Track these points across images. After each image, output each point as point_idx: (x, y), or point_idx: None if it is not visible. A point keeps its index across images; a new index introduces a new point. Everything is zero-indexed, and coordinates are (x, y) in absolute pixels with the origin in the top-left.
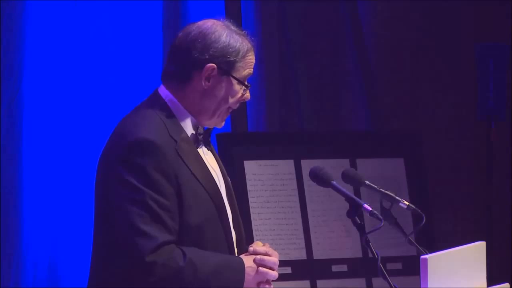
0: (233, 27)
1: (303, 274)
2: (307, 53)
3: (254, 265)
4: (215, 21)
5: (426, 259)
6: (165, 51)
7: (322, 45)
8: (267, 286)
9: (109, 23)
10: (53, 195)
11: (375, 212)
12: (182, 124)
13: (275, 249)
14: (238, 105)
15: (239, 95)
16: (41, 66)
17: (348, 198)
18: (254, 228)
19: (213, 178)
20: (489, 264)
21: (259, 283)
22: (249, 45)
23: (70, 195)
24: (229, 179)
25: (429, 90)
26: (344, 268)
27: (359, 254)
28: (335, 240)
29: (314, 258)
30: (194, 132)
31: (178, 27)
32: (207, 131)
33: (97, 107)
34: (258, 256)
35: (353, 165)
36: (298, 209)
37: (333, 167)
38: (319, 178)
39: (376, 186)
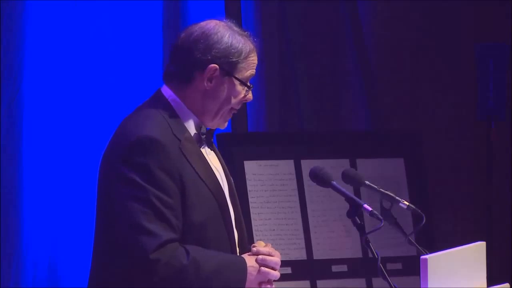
0: (235, 28)
1: (303, 274)
2: (307, 53)
3: (256, 265)
4: (217, 21)
5: (426, 259)
6: (165, 51)
7: (322, 45)
8: (268, 286)
9: (109, 23)
10: (53, 195)
11: (375, 212)
12: (185, 123)
13: (275, 249)
14: (240, 105)
15: (242, 95)
16: (41, 66)
17: (348, 198)
18: (254, 228)
19: (216, 177)
20: (489, 264)
21: (260, 283)
22: (252, 46)
23: (70, 195)
24: (231, 178)
25: (429, 90)
26: (344, 268)
27: (359, 254)
28: (335, 240)
29: (314, 258)
30: (197, 132)
31: (178, 27)
32: (210, 131)
33: (97, 107)
34: (260, 256)
35: (353, 165)
36: (298, 209)
37: (333, 167)
38: (319, 178)
39: (376, 186)
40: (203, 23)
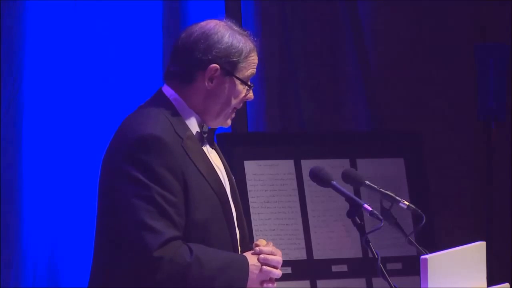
0: (235, 28)
1: (303, 274)
2: (307, 53)
3: (258, 264)
4: (217, 21)
5: (426, 259)
6: (165, 51)
7: (322, 45)
8: (270, 284)
9: (109, 23)
10: (53, 195)
11: (375, 212)
12: (187, 122)
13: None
14: (242, 104)
15: (243, 95)
16: (41, 66)
17: (348, 198)
18: (254, 228)
19: (218, 176)
20: (489, 264)
21: (262, 282)
22: (252, 45)
23: (70, 195)
24: (233, 177)
25: (429, 90)
26: (344, 268)
27: (359, 254)
28: (335, 240)
29: (314, 258)
30: (199, 131)
31: (178, 27)
32: (212, 130)
33: (97, 107)
34: (262, 255)
35: (353, 165)
36: (298, 209)
37: (333, 167)
38: (319, 178)
39: (376, 186)
40: (203, 23)
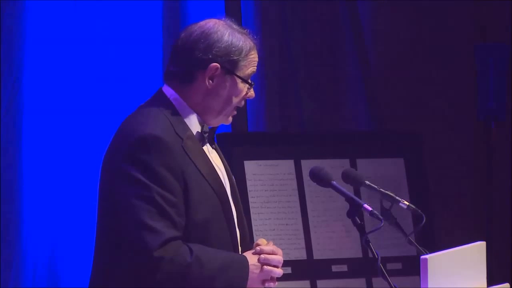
0: (235, 26)
1: (303, 274)
2: (307, 53)
3: (258, 263)
4: (217, 20)
5: (426, 259)
6: (164, 51)
7: (322, 45)
8: (272, 283)
9: (109, 23)
10: (53, 195)
11: (375, 212)
12: (187, 122)
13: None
14: (243, 102)
15: (243, 93)
16: (41, 66)
17: (348, 198)
18: (254, 228)
19: (219, 176)
20: (489, 264)
21: (264, 281)
22: (252, 44)
23: (70, 195)
24: (233, 177)
25: (429, 90)
26: (344, 268)
27: (359, 254)
28: (335, 240)
29: (314, 258)
30: (199, 130)
31: (178, 27)
32: (212, 130)
33: (97, 107)
34: (263, 256)
35: (353, 165)
36: (298, 209)
37: (333, 167)
38: (319, 178)
39: (376, 186)
40: (202, 23)
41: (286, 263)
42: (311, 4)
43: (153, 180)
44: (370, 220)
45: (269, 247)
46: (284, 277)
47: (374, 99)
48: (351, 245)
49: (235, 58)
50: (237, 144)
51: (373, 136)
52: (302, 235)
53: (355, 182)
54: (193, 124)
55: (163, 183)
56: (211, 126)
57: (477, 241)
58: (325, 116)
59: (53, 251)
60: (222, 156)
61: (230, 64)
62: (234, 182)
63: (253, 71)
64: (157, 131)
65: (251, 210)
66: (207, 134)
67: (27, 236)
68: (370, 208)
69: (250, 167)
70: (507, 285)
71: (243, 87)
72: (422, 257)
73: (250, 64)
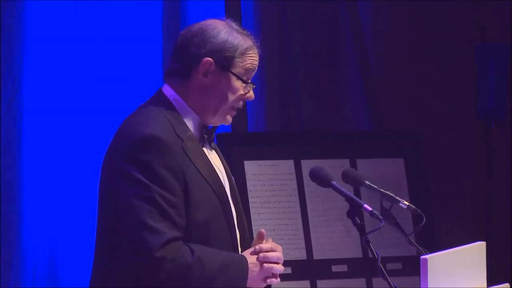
0: (235, 26)
1: (303, 274)
2: (307, 53)
3: (257, 262)
4: (217, 20)
5: (426, 259)
6: (164, 51)
7: (322, 45)
8: (274, 279)
9: (109, 23)
10: (53, 195)
11: (375, 212)
12: (187, 123)
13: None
14: (242, 103)
15: (240, 92)
16: (41, 66)
17: (348, 198)
18: (254, 228)
19: (219, 176)
20: (489, 264)
21: (265, 278)
22: (250, 43)
23: (70, 195)
24: (233, 178)
25: (429, 90)
26: (344, 268)
27: (359, 254)
28: (335, 240)
29: (314, 258)
30: (199, 131)
31: (178, 27)
32: (212, 130)
33: (97, 107)
34: (261, 254)
35: (353, 165)
36: (298, 209)
37: (333, 167)
38: (319, 178)
39: (376, 186)
40: (203, 21)
41: (286, 263)
42: (311, 4)
43: (154, 181)
44: (370, 220)
45: (268, 244)
46: (284, 277)
47: (374, 99)
48: (351, 245)
49: (230, 54)
50: (237, 144)
51: (373, 136)
52: (302, 235)
53: (355, 182)
54: (193, 124)
55: (164, 184)
56: (211, 126)
57: (477, 241)
58: (325, 116)
59: (53, 251)
60: (222, 156)
61: (224, 60)
62: (234, 182)
63: (250, 69)
64: (158, 131)
65: (251, 210)
66: (207, 135)
67: (27, 236)
68: (370, 208)
69: (250, 167)
70: (507, 285)
71: (239, 86)
72: (422, 257)
73: (247, 62)
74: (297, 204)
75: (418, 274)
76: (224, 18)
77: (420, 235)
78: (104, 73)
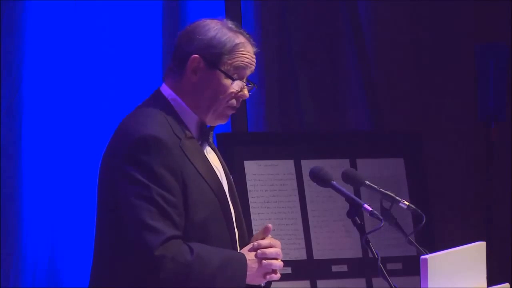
0: (229, 25)
1: (303, 274)
2: (307, 53)
3: (255, 258)
4: (214, 19)
5: (426, 259)
6: (164, 51)
7: (322, 45)
8: (274, 275)
9: (109, 23)
10: (53, 195)
11: (375, 212)
12: (186, 122)
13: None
14: (236, 102)
15: (230, 90)
16: (41, 66)
17: (348, 198)
18: (254, 228)
19: (217, 176)
20: (489, 264)
21: (265, 274)
22: (242, 40)
23: (70, 195)
24: (231, 177)
25: (429, 90)
26: (344, 268)
27: (359, 254)
28: (335, 240)
29: (314, 258)
30: (198, 130)
31: (178, 27)
32: (210, 129)
33: (97, 107)
34: (259, 251)
35: (353, 165)
36: (298, 209)
37: (333, 167)
38: (319, 178)
39: (376, 186)
40: (198, 20)
41: (286, 263)
42: (311, 4)
43: (153, 180)
44: (370, 220)
45: (266, 240)
46: (284, 277)
47: (374, 99)
48: (351, 245)
49: (217, 51)
50: (237, 144)
51: (373, 136)
52: (302, 235)
53: (355, 182)
54: (191, 124)
55: (163, 183)
56: (209, 125)
57: (477, 241)
58: (325, 116)
59: (53, 251)
60: (220, 156)
61: (212, 57)
62: (232, 182)
63: (241, 67)
64: (156, 131)
65: (251, 210)
66: (205, 135)
67: (27, 236)
68: (370, 208)
69: (250, 167)
70: (507, 285)
71: (228, 83)
72: (422, 257)
73: (237, 59)
74: (297, 204)
75: (418, 274)
76: (224, 19)
77: (420, 235)
78: (104, 73)
